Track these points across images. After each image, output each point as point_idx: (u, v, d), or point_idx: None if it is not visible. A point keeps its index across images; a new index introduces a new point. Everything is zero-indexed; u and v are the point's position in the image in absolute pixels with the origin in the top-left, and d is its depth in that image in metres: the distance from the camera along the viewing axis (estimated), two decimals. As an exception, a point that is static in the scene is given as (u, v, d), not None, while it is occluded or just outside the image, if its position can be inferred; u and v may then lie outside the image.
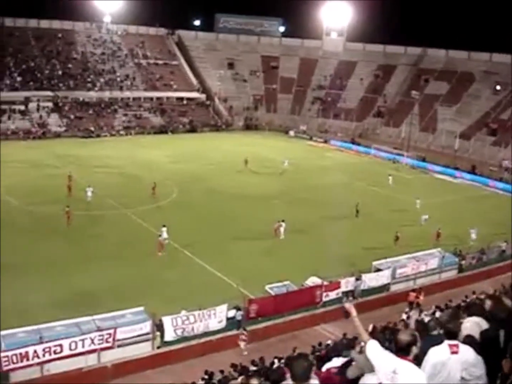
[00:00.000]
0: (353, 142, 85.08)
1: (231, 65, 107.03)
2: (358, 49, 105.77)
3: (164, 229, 36.94)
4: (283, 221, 40.36)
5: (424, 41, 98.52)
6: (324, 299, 30.02)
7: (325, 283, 30.41)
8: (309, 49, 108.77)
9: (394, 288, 33.21)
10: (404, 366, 5.11)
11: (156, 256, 35.38)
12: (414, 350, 5.32)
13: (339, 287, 30.79)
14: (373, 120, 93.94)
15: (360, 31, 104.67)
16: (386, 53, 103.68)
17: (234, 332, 26.30)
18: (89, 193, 45.69)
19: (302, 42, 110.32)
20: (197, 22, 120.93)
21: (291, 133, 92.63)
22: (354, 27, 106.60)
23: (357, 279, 31.44)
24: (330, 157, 75.71)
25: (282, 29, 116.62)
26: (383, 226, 43.67)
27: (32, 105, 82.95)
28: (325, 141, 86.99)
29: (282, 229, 40.18)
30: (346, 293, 30.86)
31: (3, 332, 22.20)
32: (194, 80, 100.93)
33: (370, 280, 32.15)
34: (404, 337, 5.35)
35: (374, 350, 5.40)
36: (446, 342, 5.62)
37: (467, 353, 5.59)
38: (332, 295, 30.43)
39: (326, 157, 75.52)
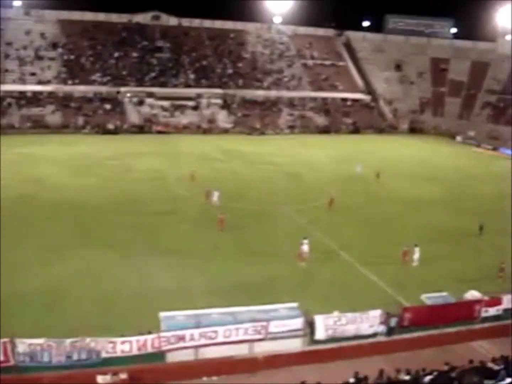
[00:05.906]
0: (528, 152, 79.87)
1: (398, 67, 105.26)
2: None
3: (306, 241, 34.65)
4: (416, 245, 35.01)
5: None
6: (482, 314, 28.60)
7: (486, 298, 28.94)
8: (482, 51, 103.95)
9: None
10: None
11: (301, 262, 34.41)
12: None
13: (500, 303, 29.18)
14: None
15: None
16: None
17: (386, 338, 25.92)
18: (215, 197, 44.91)
19: (475, 44, 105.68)
20: (366, 23, 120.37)
21: (458, 138, 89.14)
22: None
23: (521, 297, 29.55)
24: (499, 165, 71.56)
25: (453, 30, 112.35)
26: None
27: (203, 102, 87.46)
28: (494, 149, 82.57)
29: (415, 256, 34.72)
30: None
31: (164, 314, 23.60)
32: (359, 81, 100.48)
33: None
34: None
35: None
36: None
37: None
38: (492, 311, 28.91)
39: (495, 165, 71.53)
